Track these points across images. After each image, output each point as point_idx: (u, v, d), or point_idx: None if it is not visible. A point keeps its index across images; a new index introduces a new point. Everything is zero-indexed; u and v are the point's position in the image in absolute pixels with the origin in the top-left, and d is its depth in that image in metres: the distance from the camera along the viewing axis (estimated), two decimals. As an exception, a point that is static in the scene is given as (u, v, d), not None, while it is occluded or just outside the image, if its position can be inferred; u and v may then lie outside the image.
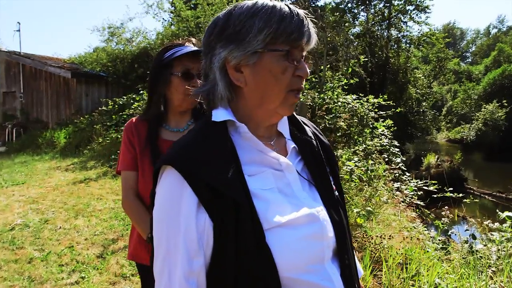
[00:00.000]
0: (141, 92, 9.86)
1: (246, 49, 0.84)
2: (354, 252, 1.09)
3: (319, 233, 0.89)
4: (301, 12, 0.87)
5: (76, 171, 8.42)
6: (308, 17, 0.88)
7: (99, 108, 11.76)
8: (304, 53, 0.91)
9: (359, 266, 1.17)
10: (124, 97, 10.61)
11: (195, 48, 1.64)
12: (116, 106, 10.31)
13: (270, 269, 0.80)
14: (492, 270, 3.08)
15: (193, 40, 1.73)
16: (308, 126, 1.11)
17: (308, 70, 0.91)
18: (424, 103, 22.62)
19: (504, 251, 3.33)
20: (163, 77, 1.64)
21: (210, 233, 0.80)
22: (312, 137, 1.06)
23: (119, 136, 9.20)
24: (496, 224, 3.70)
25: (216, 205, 0.79)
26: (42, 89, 14.56)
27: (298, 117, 1.11)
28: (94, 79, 14.02)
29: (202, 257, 0.81)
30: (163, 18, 19.05)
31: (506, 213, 3.83)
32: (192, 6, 14.56)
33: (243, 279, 0.80)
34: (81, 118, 12.39)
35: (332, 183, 1.03)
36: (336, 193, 1.03)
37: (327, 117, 7.07)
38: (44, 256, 3.95)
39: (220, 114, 0.90)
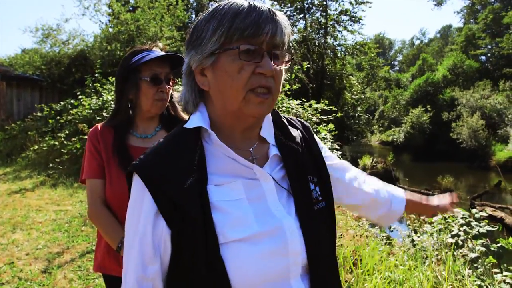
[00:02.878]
0: (80, 97, 9.39)
1: (203, 52, 0.83)
2: (338, 270, 1.03)
3: (283, 249, 0.84)
4: (264, 6, 0.82)
5: (9, 181, 7.79)
6: (273, 11, 0.83)
7: (33, 114, 11.01)
8: (279, 50, 0.85)
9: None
10: (61, 102, 10.04)
11: (163, 53, 1.64)
12: (53, 111, 9.72)
13: (223, 284, 0.78)
14: (432, 261, 3.39)
15: (160, 45, 1.72)
16: (299, 129, 1.04)
17: (276, 67, 0.84)
18: (358, 108, 23.90)
19: (439, 242, 3.68)
20: (131, 82, 1.62)
21: (167, 240, 0.82)
22: (299, 143, 0.99)
23: (57, 143, 8.68)
24: (435, 219, 4.06)
25: (173, 215, 0.80)
26: (-35, 92, 13.30)
27: (288, 119, 1.05)
28: (26, 82, 13.05)
29: (158, 264, 0.83)
30: (100, 21, 18.27)
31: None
32: (131, 8, 14.15)
33: None
34: (13, 124, 11.51)
35: (317, 193, 0.96)
36: (323, 204, 0.97)
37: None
38: (-19, 275, 3.65)
39: (193, 120, 0.88)
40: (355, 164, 18.70)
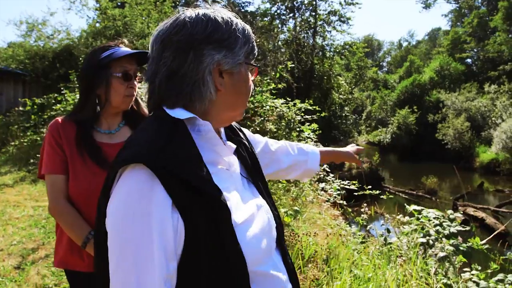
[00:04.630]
0: (64, 92, 9.28)
1: (235, 58, 0.92)
2: None
3: (268, 226, 0.98)
4: None
5: (-13, 177, 7.69)
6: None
7: (16, 108, 10.84)
8: None
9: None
10: (45, 96, 9.88)
11: (133, 50, 1.66)
12: (35, 106, 9.58)
13: (242, 266, 0.83)
14: (403, 259, 3.45)
15: (126, 41, 1.74)
16: (237, 129, 1.18)
17: None
18: (346, 108, 24.08)
19: (412, 242, 3.75)
20: (101, 78, 1.61)
21: (182, 233, 0.78)
22: (244, 138, 1.15)
23: (39, 138, 8.55)
24: (407, 218, 4.13)
25: (189, 203, 0.78)
26: None
27: None
28: (9, 76, 12.83)
29: (176, 260, 0.79)
30: (87, 16, 18.07)
31: (413, 207, 4.30)
32: (119, 4, 14.04)
33: (215, 276, 0.80)
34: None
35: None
36: (266, 185, 1.13)
37: (256, 120, 7.29)
38: (-48, 271, 3.60)
39: (180, 112, 0.89)
40: (342, 163, 18.85)
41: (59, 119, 1.68)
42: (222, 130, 1.07)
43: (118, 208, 0.78)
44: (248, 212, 0.92)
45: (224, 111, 0.96)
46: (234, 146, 1.04)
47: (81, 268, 1.64)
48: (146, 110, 1.77)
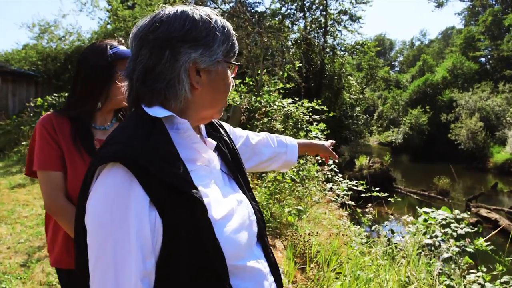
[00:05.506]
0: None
1: (213, 56, 0.92)
2: None
3: (248, 221, 0.99)
4: None
5: (0, 176, 7.83)
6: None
7: (28, 109, 11.02)
8: None
9: None
10: (55, 94, 9.99)
11: None
12: (46, 104, 9.70)
13: (221, 260, 0.85)
14: (407, 260, 3.40)
15: (123, 40, 1.76)
16: (219, 125, 1.20)
17: None
18: (357, 108, 23.86)
19: (418, 243, 3.69)
20: (108, 75, 1.62)
21: (160, 231, 0.79)
22: (225, 134, 1.16)
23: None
24: (410, 218, 4.07)
25: (168, 202, 0.79)
26: (-40, 87, 13.34)
27: None
28: (22, 78, 13.09)
29: (154, 257, 0.80)
30: (99, 17, 18.33)
31: (423, 209, 4.25)
32: (130, 5, 14.17)
33: (195, 273, 0.81)
34: (7, 120, 11.52)
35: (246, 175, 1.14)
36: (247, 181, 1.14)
37: (264, 120, 7.28)
38: (-41, 268, 3.67)
39: (158, 111, 0.89)
40: (352, 164, 18.73)
41: (51, 114, 1.65)
42: (202, 127, 1.08)
43: (96, 205, 0.79)
44: (227, 208, 0.93)
45: (203, 109, 0.96)
46: (215, 143, 1.05)
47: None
48: None
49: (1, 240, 4.39)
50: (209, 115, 1.00)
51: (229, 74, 0.98)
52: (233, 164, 1.10)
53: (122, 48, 1.69)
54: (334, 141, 1.77)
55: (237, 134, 1.43)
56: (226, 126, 1.31)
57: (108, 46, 1.66)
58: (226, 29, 0.95)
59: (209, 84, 0.94)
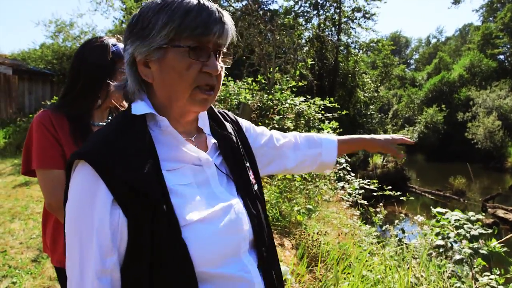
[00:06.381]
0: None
1: (150, 45, 0.84)
2: (274, 245, 1.10)
3: (234, 227, 0.91)
4: (213, 6, 0.85)
5: (16, 173, 7.98)
6: (221, 11, 0.86)
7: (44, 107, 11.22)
8: (223, 49, 0.90)
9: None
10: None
11: None
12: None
13: (186, 265, 0.80)
14: (417, 261, 3.33)
15: (121, 38, 1.75)
16: (230, 121, 1.12)
17: (220, 65, 0.89)
18: (371, 107, 23.61)
19: (430, 243, 3.62)
20: (110, 73, 1.61)
21: (124, 230, 0.78)
22: (232, 133, 1.07)
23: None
24: (421, 219, 3.99)
25: (131, 202, 0.78)
26: (-21, 86, 13.64)
27: (219, 111, 1.12)
28: (38, 76, 13.32)
29: (116, 255, 0.79)
30: (114, 17, 18.55)
31: (437, 209, 4.16)
32: (144, 4, 14.28)
33: (159, 276, 0.79)
34: (24, 117, 11.74)
35: (251, 177, 1.04)
36: (256, 186, 1.05)
37: (275, 118, 7.24)
38: (-27, 262, 3.74)
39: (139, 107, 0.88)
40: (366, 163, 18.56)
41: (48, 111, 1.61)
42: (203, 123, 1.02)
43: (69, 202, 0.82)
44: (208, 211, 0.87)
45: (166, 103, 0.90)
46: (214, 141, 1.00)
47: None
48: (126, 104, 1.80)
49: (14, 236, 4.47)
50: (180, 109, 0.91)
51: (186, 60, 0.84)
52: (235, 165, 1.02)
53: (122, 45, 1.68)
54: (403, 138, 1.38)
55: (258, 133, 1.26)
56: (244, 123, 1.21)
57: (110, 44, 1.64)
58: (174, 7, 0.82)
59: (159, 74, 0.86)
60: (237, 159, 1.03)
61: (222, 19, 0.85)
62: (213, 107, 1.07)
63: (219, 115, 1.09)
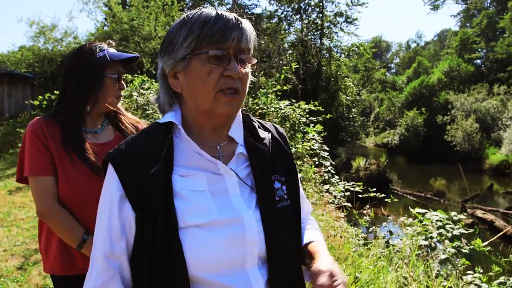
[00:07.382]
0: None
1: (175, 57, 0.92)
2: (300, 266, 1.05)
3: (240, 238, 0.91)
4: (231, 15, 0.91)
5: (-4, 178, 7.79)
6: (239, 19, 0.90)
7: (25, 111, 10.96)
8: (244, 55, 0.93)
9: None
10: (56, 92, 9.89)
11: (135, 54, 1.72)
12: (45, 102, 9.57)
13: (179, 264, 0.86)
14: (404, 262, 3.41)
15: (113, 43, 1.75)
16: (270, 132, 1.09)
17: (243, 70, 0.92)
18: (354, 110, 23.90)
19: (414, 245, 3.71)
20: (95, 79, 1.60)
21: (132, 222, 0.90)
22: (267, 145, 1.05)
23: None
24: (410, 220, 4.08)
25: (138, 199, 0.89)
26: (-45, 89, 13.25)
27: (261, 122, 1.12)
28: (18, 79, 13.03)
29: (124, 243, 0.91)
30: (96, 19, 18.26)
31: (416, 210, 4.26)
32: (127, 7, 14.11)
33: (157, 269, 0.88)
34: (5, 122, 11.44)
35: (283, 192, 1.02)
36: (287, 203, 1.02)
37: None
38: (-45, 271, 3.64)
39: (166, 117, 0.97)
40: (349, 165, 18.75)
41: (40, 119, 1.63)
42: (236, 133, 1.02)
43: (101, 193, 0.96)
44: (212, 218, 0.90)
45: (194, 110, 0.96)
46: (240, 151, 1.01)
47: (74, 271, 1.60)
48: (122, 109, 1.82)
49: (-2, 243, 4.37)
50: (207, 114, 0.94)
51: (207, 65, 0.89)
52: (262, 178, 1.00)
53: (112, 51, 1.67)
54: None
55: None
56: (287, 143, 1.13)
57: (98, 49, 1.64)
58: (194, 19, 0.90)
59: (186, 83, 0.94)
60: (265, 173, 1.01)
61: (240, 25, 0.91)
62: (251, 117, 1.08)
63: (256, 125, 1.08)
